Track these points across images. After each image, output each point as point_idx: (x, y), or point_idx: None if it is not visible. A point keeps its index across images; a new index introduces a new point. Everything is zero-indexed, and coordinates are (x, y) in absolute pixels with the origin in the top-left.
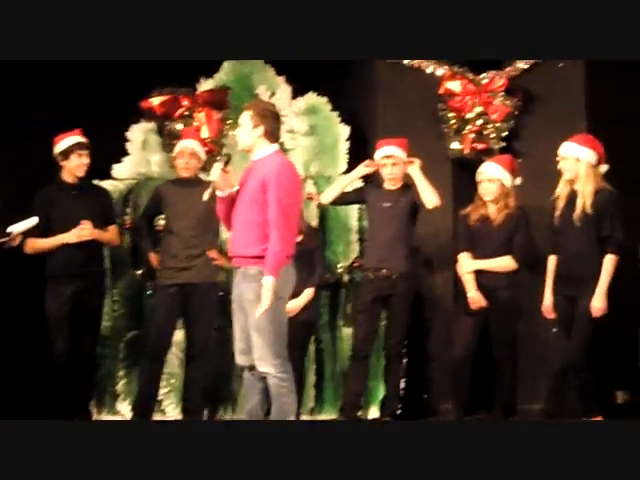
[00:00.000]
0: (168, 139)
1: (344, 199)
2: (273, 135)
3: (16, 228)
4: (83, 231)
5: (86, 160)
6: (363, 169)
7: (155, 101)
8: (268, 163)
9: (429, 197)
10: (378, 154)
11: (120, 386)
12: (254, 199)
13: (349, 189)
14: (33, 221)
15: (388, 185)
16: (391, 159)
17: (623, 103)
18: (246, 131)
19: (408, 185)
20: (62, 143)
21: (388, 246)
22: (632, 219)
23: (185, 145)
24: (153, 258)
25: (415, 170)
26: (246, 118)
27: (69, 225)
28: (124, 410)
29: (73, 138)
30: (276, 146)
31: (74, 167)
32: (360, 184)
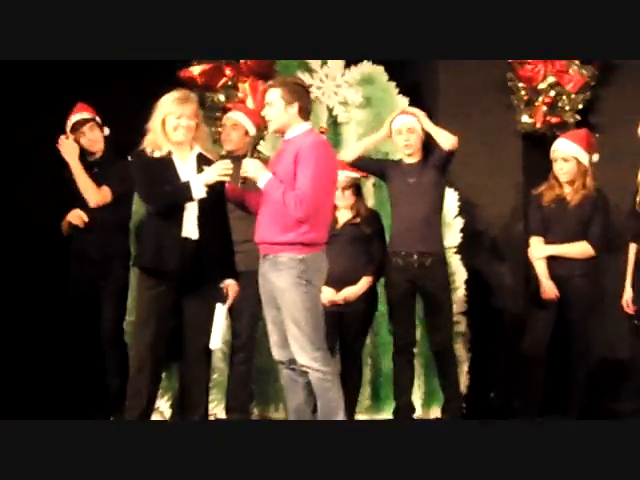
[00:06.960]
0: (211, 112)
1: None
2: (307, 112)
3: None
4: None
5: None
6: (386, 128)
7: (196, 70)
8: (302, 140)
9: (444, 139)
10: (393, 125)
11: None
12: (286, 179)
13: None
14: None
15: (407, 159)
16: (406, 126)
17: None
18: (279, 110)
19: (427, 156)
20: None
21: (418, 227)
22: None
23: (228, 116)
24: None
25: (423, 119)
26: (276, 96)
27: None
28: (163, 407)
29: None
30: (309, 124)
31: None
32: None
